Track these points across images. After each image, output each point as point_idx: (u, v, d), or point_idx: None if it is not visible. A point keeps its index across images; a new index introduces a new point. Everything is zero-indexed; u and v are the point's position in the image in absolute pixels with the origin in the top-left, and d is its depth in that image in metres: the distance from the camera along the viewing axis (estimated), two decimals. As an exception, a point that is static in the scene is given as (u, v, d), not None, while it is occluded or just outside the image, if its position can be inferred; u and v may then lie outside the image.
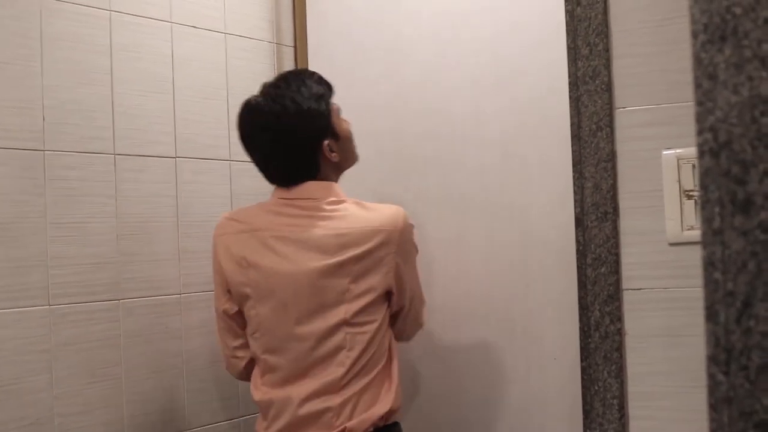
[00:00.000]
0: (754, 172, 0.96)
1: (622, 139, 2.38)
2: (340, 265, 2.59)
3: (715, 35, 0.98)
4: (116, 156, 2.81)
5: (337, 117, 2.77)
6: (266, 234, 2.66)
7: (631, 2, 2.38)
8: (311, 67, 3.37)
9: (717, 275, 0.98)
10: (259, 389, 2.70)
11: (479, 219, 3.05)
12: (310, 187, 2.69)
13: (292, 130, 2.66)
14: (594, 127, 2.38)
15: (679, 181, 2.30)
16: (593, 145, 2.39)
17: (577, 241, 2.45)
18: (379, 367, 2.65)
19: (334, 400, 2.59)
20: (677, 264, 2.32)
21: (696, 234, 2.27)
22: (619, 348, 2.39)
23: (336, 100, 3.06)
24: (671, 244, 2.33)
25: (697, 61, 0.99)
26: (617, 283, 2.39)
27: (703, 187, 0.99)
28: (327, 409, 2.58)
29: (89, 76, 2.76)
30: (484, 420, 3.08)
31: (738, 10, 0.97)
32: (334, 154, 2.72)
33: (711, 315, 0.99)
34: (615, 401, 2.39)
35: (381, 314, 2.65)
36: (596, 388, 2.41)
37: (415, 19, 3.20)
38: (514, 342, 3.00)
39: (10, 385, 2.52)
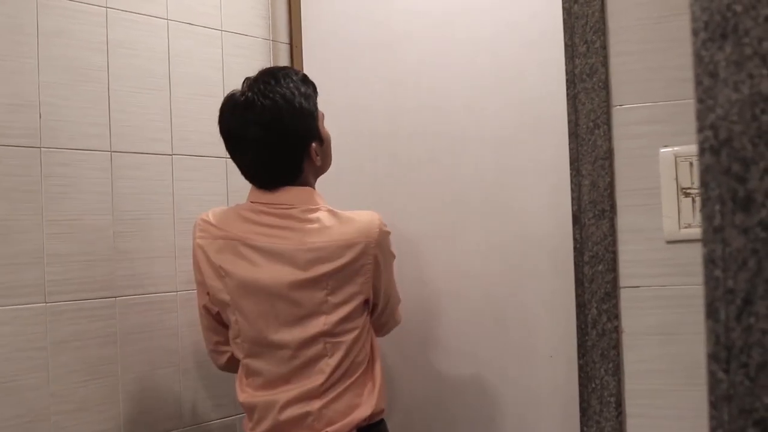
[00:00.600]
0: (755, 169, 0.96)
1: (620, 137, 2.38)
2: (314, 280, 2.56)
3: (716, 33, 0.98)
4: (112, 153, 2.81)
5: (322, 119, 2.74)
6: (239, 243, 2.63)
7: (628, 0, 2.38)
8: (306, 65, 3.38)
9: (717, 273, 0.98)
10: (244, 391, 2.69)
11: (475, 217, 3.05)
12: (288, 193, 2.64)
13: (284, 128, 2.60)
14: (591, 124, 2.38)
15: (677, 179, 2.30)
16: (590, 142, 2.39)
17: (575, 239, 2.45)
18: (361, 370, 2.64)
19: (315, 405, 2.58)
20: (674, 262, 2.32)
21: (693, 232, 2.27)
22: (617, 346, 2.39)
23: (331, 98, 3.08)
24: (668, 242, 2.33)
25: (698, 58, 0.99)
26: (614, 280, 2.38)
27: (704, 184, 0.99)
28: (308, 414, 2.58)
29: (85, 73, 2.76)
30: (480, 418, 3.08)
31: (738, 8, 0.97)
32: (318, 158, 2.68)
33: (711, 312, 0.99)
34: (612, 399, 2.39)
35: (361, 321, 2.64)
36: (593, 385, 2.41)
37: (410, 16, 3.20)
38: (510, 340, 3.00)
39: (7, 382, 2.52)
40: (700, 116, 0.99)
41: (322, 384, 2.58)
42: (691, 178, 2.28)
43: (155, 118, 2.95)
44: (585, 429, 2.44)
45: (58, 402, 2.64)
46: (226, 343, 2.76)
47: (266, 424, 2.63)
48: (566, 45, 2.44)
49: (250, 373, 2.68)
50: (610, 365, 2.39)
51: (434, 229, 3.11)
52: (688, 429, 2.29)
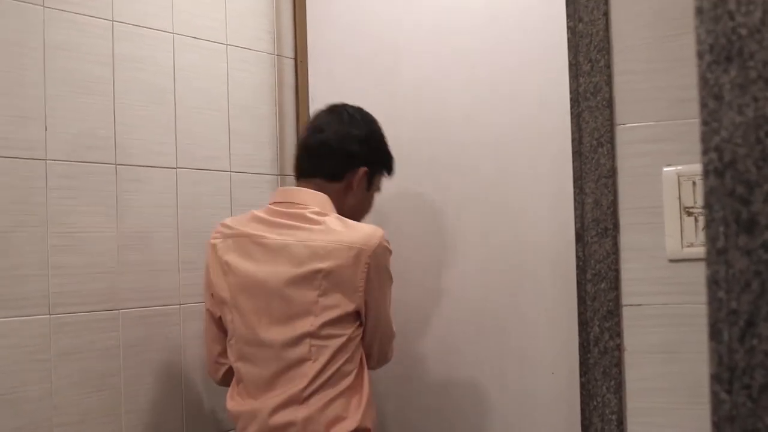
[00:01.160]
0: (759, 192, 0.96)
1: (623, 156, 2.39)
2: (307, 277, 2.58)
3: (721, 56, 0.99)
4: (117, 166, 2.82)
5: (377, 186, 2.89)
6: (247, 240, 2.69)
7: (632, 19, 2.39)
8: (311, 80, 3.42)
9: (721, 294, 0.99)
10: (233, 399, 2.72)
11: (477, 233, 3.06)
12: (306, 194, 2.72)
13: (351, 131, 2.79)
14: (595, 143, 2.39)
15: (680, 198, 2.30)
16: (594, 161, 2.39)
17: (577, 257, 2.45)
18: (348, 381, 2.62)
19: (299, 413, 2.58)
20: (677, 280, 2.33)
21: (695, 251, 2.28)
22: (618, 364, 2.39)
23: None
24: (671, 261, 2.33)
25: (703, 81, 1.00)
26: (617, 298, 2.39)
27: (708, 206, 0.99)
28: (291, 423, 2.58)
29: (91, 86, 2.77)
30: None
31: (743, 32, 0.98)
32: (356, 188, 2.79)
33: (714, 333, 0.99)
34: (614, 417, 2.39)
35: (350, 329, 2.63)
36: (595, 403, 2.42)
37: (415, 32, 3.21)
38: (512, 357, 3.00)
39: (9, 394, 2.52)
40: (705, 138, 0.99)
41: (305, 388, 2.57)
42: (693, 198, 2.29)
43: (160, 132, 2.96)
44: (586, 446, 2.44)
45: (61, 414, 2.63)
46: (226, 353, 2.78)
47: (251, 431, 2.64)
48: (570, 64, 2.45)
49: (240, 378, 2.71)
50: (612, 383, 2.39)
51: (436, 243, 3.11)
52: (689, 447, 2.29)
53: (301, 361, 2.59)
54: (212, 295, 2.75)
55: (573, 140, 2.44)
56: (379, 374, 2.94)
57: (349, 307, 2.60)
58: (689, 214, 2.29)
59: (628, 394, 2.39)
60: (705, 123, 1.00)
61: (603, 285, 2.39)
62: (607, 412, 2.40)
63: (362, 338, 2.69)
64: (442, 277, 3.13)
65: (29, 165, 2.59)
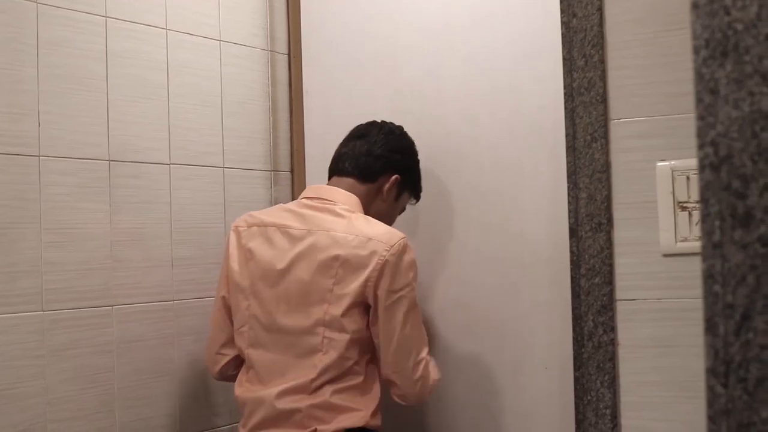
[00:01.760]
0: (755, 186, 0.97)
1: (617, 151, 2.39)
2: (326, 265, 2.64)
3: (717, 51, 0.99)
4: (110, 162, 2.81)
5: (403, 202, 2.99)
6: (274, 229, 2.76)
7: (626, 14, 2.39)
8: (306, 76, 3.41)
9: (716, 288, 0.99)
10: (242, 386, 2.77)
11: (473, 228, 3.06)
12: (335, 193, 2.81)
13: (386, 140, 2.91)
14: (589, 138, 2.39)
15: (674, 193, 2.30)
16: (588, 156, 2.39)
17: (571, 252, 2.46)
18: (357, 380, 2.66)
19: (305, 401, 2.62)
20: (671, 275, 2.33)
21: (689, 245, 2.28)
22: (612, 358, 2.39)
23: (329, 109, 3.16)
24: (665, 255, 2.34)
25: (699, 76, 1.00)
26: (611, 293, 2.39)
27: (704, 200, 0.99)
28: (297, 410, 2.62)
29: (84, 82, 2.76)
30: (474, 429, 3.08)
31: (739, 26, 0.98)
32: (387, 194, 2.88)
33: (710, 327, 1.00)
34: (608, 411, 2.39)
35: (360, 325, 2.65)
36: (589, 397, 2.42)
37: (409, 28, 3.21)
38: (505, 351, 3.01)
39: (3, 390, 2.52)
40: (701, 133, 1.00)
41: (314, 379, 2.62)
42: (687, 192, 2.29)
43: (153, 128, 2.96)
44: (580, 441, 2.44)
45: (54, 410, 2.63)
46: (229, 344, 2.83)
47: (258, 416, 2.69)
48: (564, 59, 2.45)
49: (250, 365, 2.76)
50: (606, 377, 2.40)
51: (430, 240, 3.12)
52: (683, 442, 2.30)
53: (312, 351, 2.64)
54: (229, 281, 2.80)
55: (567, 135, 2.44)
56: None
57: (359, 297, 2.63)
58: (683, 208, 2.30)
59: (622, 389, 2.40)
60: (701, 118, 1.00)
61: (597, 280, 2.40)
62: (601, 406, 2.40)
63: (376, 345, 2.70)
64: (436, 271, 3.13)
65: (23, 161, 2.59)
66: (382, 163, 2.87)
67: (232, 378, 2.88)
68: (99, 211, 2.78)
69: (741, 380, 0.98)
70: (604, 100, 2.39)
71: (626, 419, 2.40)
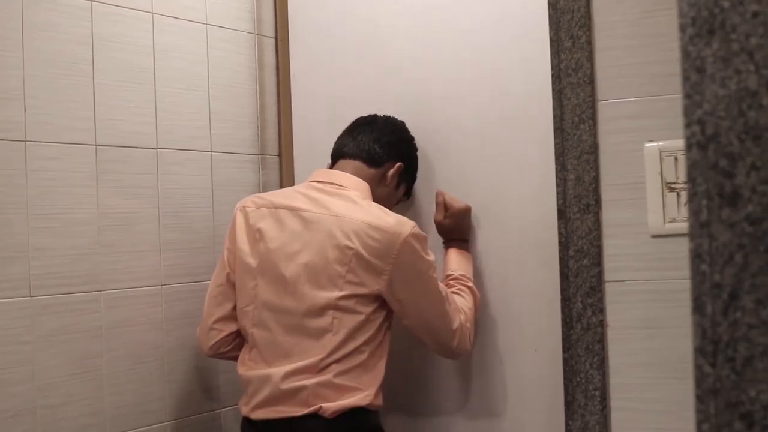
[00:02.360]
0: (741, 165, 0.96)
1: (605, 132, 2.39)
2: (338, 252, 2.65)
3: (703, 29, 0.98)
4: (97, 147, 2.80)
5: (400, 192, 3.03)
6: (286, 212, 2.77)
7: (613, -5, 2.38)
8: (293, 59, 3.39)
9: (704, 267, 0.99)
10: (245, 364, 2.80)
11: (462, 210, 3.05)
12: (345, 178, 2.85)
13: (391, 131, 2.99)
14: (576, 119, 2.39)
15: (662, 174, 2.30)
16: (576, 137, 2.39)
17: (560, 233, 2.45)
18: (362, 358, 2.69)
19: (311, 380, 2.64)
20: (659, 256, 2.33)
21: (678, 226, 2.28)
22: (601, 340, 2.39)
23: (316, 91, 3.19)
24: (653, 236, 2.34)
25: (685, 54, 1.00)
26: (599, 275, 2.39)
27: (691, 179, 0.99)
28: (303, 387, 2.65)
29: (70, 67, 2.74)
30: (464, 411, 3.08)
31: (726, 4, 0.97)
32: (390, 182, 2.93)
33: (698, 307, 0.99)
34: (597, 392, 2.40)
35: (369, 309, 2.68)
36: (578, 379, 2.42)
37: (396, 10, 3.19)
38: (495, 333, 3.00)
39: (-7, 376, 2.52)
40: (688, 112, 0.99)
41: (322, 359, 2.65)
42: (675, 173, 2.29)
43: (140, 112, 2.94)
44: (570, 423, 2.44)
45: (44, 396, 2.62)
46: (225, 319, 2.86)
47: (262, 395, 2.72)
48: (552, 40, 2.45)
49: (253, 345, 2.78)
50: (595, 359, 2.40)
51: (419, 221, 3.11)
52: (673, 422, 2.30)
53: (322, 332, 2.66)
54: (236, 260, 2.82)
55: (555, 117, 2.44)
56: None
57: (373, 287, 2.66)
58: (671, 189, 2.30)
59: (611, 370, 2.40)
60: (687, 96, 0.99)
61: (585, 261, 2.40)
62: (590, 388, 2.40)
63: (409, 327, 2.80)
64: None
65: (8, 146, 2.57)
66: (388, 149, 2.92)
67: (225, 356, 2.92)
68: (86, 196, 2.77)
69: (729, 359, 0.98)
70: (591, 81, 2.38)
71: (616, 401, 2.40)
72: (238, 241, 2.81)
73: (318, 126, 3.28)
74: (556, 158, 2.44)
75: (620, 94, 2.37)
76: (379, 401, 2.74)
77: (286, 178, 3.38)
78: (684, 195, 2.24)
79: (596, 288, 2.39)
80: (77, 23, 2.77)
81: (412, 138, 3.05)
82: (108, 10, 2.85)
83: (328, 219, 2.70)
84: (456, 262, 2.96)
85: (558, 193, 2.45)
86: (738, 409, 0.97)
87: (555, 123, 2.44)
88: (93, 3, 2.81)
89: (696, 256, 0.99)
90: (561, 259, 2.46)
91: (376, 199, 2.85)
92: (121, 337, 2.85)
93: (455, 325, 2.76)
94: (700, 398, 0.99)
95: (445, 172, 3.09)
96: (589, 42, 2.39)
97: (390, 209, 2.85)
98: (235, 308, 2.85)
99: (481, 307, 2.96)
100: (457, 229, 3.01)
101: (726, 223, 0.97)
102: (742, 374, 0.97)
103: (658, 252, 2.33)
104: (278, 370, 2.68)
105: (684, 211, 2.24)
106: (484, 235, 3.01)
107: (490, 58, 3.00)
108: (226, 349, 2.89)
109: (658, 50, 2.32)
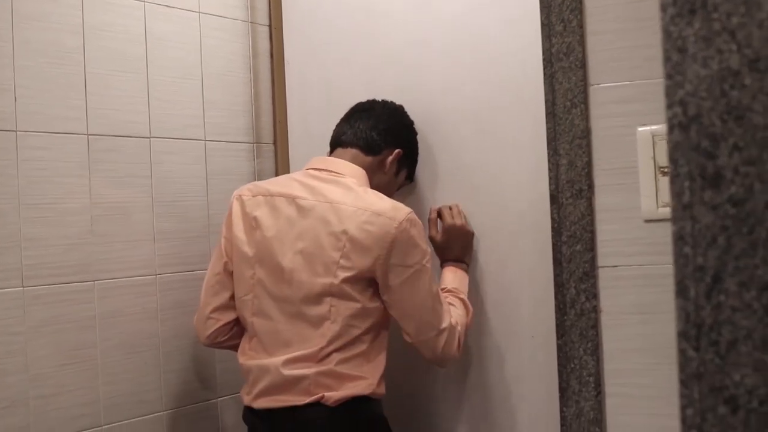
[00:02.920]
0: (724, 146, 0.95)
1: (597, 116, 2.37)
2: (333, 238, 2.65)
3: (684, 8, 0.97)
4: (89, 136, 2.79)
5: (401, 179, 3.03)
6: (282, 199, 2.76)
7: (604, -22, 2.37)
8: (287, 47, 3.39)
9: (687, 250, 0.98)
10: (245, 353, 2.81)
11: (452, 197, 3.04)
12: (342, 165, 2.83)
13: (388, 116, 2.97)
14: (568, 104, 2.37)
15: (654, 158, 2.29)
16: (568, 122, 2.37)
17: (552, 219, 2.44)
18: (362, 348, 2.70)
19: (312, 369, 2.65)
20: (652, 241, 2.31)
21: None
22: (595, 325, 2.38)
23: (311, 79, 3.18)
24: (646, 221, 2.32)
25: (666, 34, 0.99)
26: (593, 260, 2.38)
27: (673, 161, 0.98)
28: (304, 377, 2.66)
29: (61, 56, 2.74)
30: (460, 397, 3.08)
31: (707, -17, 0.96)
32: (389, 168, 2.91)
33: (681, 290, 0.98)
34: (591, 379, 2.39)
35: (366, 296, 2.69)
36: (572, 365, 2.41)
37: (390, -4, 3.19)
38: (491, 320, 3.00)
39: (-17, 368, 2.51)
40: (669, 92, 0.98)
41: (322, 349, 2.66)
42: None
43: (132, 101, 2.93)
44: (564, 409, 2.43)
45: (37, 386, 2.62)
46: (223, 309, 2.85)
47: (263, 383, 2.73)
48: (543, 24, 2.43)
49: (253, 334, 2.78)
50: (589, 345, 2.39)
51: (415, 208, 3.10)
52: (667, 407, 2.27)
53: (321, 319, 2.67)
54: (233, 249, 2.81)
55: (546, 101, 2.42)
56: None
57: (365, 273, 2.65)
58: (664, 173, 2.28)
59: (605, 356, 2.39)
60: (669, 77, 0.98)
61: (578, 247, 2.38)
62: (584, 374, 2.39)
63: (396, 318, 2.76)
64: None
65: (0, 136, 2.57)
66: (386, 136, 2.90)
67: (222, 345, 2.92)
68: (79, 186, 2.76)
69: (713, 343, 0.97)
70: (583, 65, 2.36)
71: (610, 386, 2.39)
72: (234, 230, 2.81)
73: (313, 113, 3.27)
74: (548, 143, 2.43)
75: (612, 78, 2.35)
76: (382, 390, 2.75)
77: (282, 166, 3.37)
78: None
79: (589, 273, 2.37)
80: (68, 12, 2.76)
81: (411, 123, 3.04)
82: (99, -1, 2.84)
83: (323, 206, 2.70)
84: (449, 279, 2.93)
85: (550, 179, 2.43)
86: (722, 394, 0.96)
87: (547, 108, 2.42)
88: (83, -8, 2.80)
89: (679, 239, 0.98)
90: (554, 245, 2.44)
91: (376, 186, 2.84)
92: (115, 327, 2.84)
93: (444, 324, 2.73)
94: (684, 383, 0.99)
95: (441, 158, 3.08)
96: (581, 26, 2.37)
97: (391, 196, 2.85)
98: (232, 297, 2.85)
99: (474, 314, 2.93)
100: (449, 248, 2.98)
101: (709, 205, 0.96)
102: (726, 358, 0.96)
103: (651, 237, 2.31)
104: (278, 359, 2.69)
105: (677, 196, 2.23)
106: (477, 222, 3.00)
107: (482, 42, 2.99)
108: (224, 339, 2.89)
109: (650, 33, 2.29)
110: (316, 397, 2.65)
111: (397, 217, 2.65)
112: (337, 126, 2.98)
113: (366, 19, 3.24)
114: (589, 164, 2.37)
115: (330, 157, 2.89)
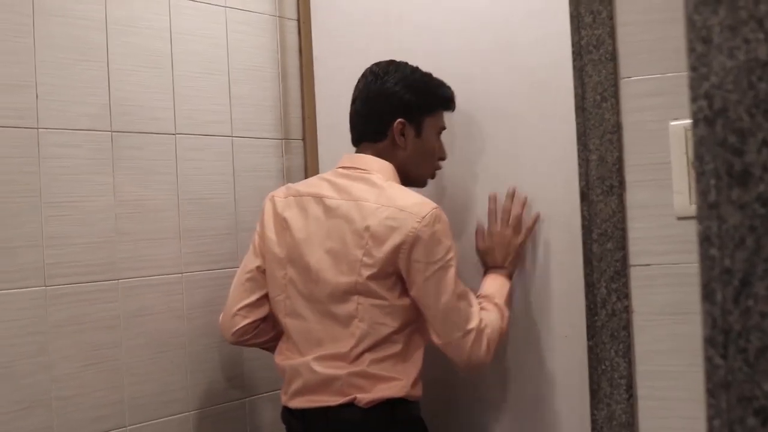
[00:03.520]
0: (752, 141, 0.90)
1: (628, 110, 2.31)
2: (356, 236, 2.64)
3: (709, -5, 0.93)
4: (113, 133, 2.77)
5: (432, 128, 2.88)
6: (310, 199, 2.76)
7: (635, -32, 2.31)
8: (315, 41, 3.37)
9: (713, 251, 0.93)
10: (282, 353, 2.82)
11: (482, 194, 3.01)
12: (368, 160, 2.79)
13: (377, 89, 2.84)
14: (599, 97, 2.32)
15: (687, 153, 2.23)
16: (598, 116, 2.32)
17: (583, 216, 2.39)
18: (396, 349, 2.68)
19: (345, 369, 2.65)
20: (686, 239, 2.25)
21: (705, 207, 2.21)
22: (627, 326, 2.33)
23: (339, 73, 3.14)
24: (679, 218, 2.26)
25: (690, 23, 0.94)
26: (624, 259, 2.32)
27: (698, 157, 0.93)
28: (337, 377, 2.66)
29: (84, 52, 2.72)
30: (495, 399, 3.06)
31: (733, -32, 0.91)
32: (403, 140, 2.81)
33: (707, 294, 0.94)
34: (623, 381, 2.33)
35: (393, 294, 2.66)
36: (603, 367, 2.36)
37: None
38: (523, 319, 2.97)
39: (5, 368, 2.50)
40: (694, 85, 0.94)
41: (352, 348, 2.65)
42: (702, 152, 2.22)
43: (157, 97, 2.91)
44: (595, 412, 2.38)
45: (59, 387, 2.61)
46: (250, 306, 2.84)
47: (295, 386, 2.74)
48: (572, 16, 2.38)
49: (288, 336, 2.79)
50: (621, 346, 2.33)
51: (441, 204, 3.06)
52: (702, 411, 2.23)
53: (349, 318, 2.66)
54: (266, 250, 2.81)
55: (576, 95, 2.37)
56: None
57: (391, 268, 2.63)
58: (697, 169, 2.22)
59: (637, 357, 2.34)
60: (693, 68, 0.94)
61: (609, 245, 2.33)
62: (615, 376, 2.34)
63: (425, 319, 2.71)
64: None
65: (21, 134, 2.55)
66: (379, 119, 2.82)
67: (247, 343, 2.91)
68: (102, 184, 2.75)
69: (741, 351, 0.92)
70: (613, 57, 2.31)
71: (642, 389, 2.34)
72: (266, 230, 2.81)
73: (342, 109, 3.22)
74: (578, 138, 2.37)
75: (644, 70, 2.29)
76: (418, 391, 2.73)
77: (311, 163, 3.35)
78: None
79: (621, 273, 2.32)
80: (90, 7, 2.75)
81: (400, 78, 2.85)
82: (122, -6, 2.82)
83: (348, 204, 2.69)
84: (485, 285, 2.87)
85: (580, 175, 2.38)
86: (752, 404, 0.92)
87: (576, 102, 2.37)
88: (107, -14, 2.78)
89: (704, 240, 0.93)
90: (584, 243, 2.39)
91: (403, 162, 2.81)
92: (140, 326, 2.83)
93: (471, 325, 2.67)
94: (710, 392, 0.94)
95: (468, 153, 3.05)
96: (611, 17, 2.31)
97: (433, 159, 2.88)
98: (262, 297, 2.84)
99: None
100: (490, 254, 2.92)
101: (736, 204, 0.91)
102: (755, 366, 0.91)
103: (684, 234, 2.25)
104: (309, 358, 2.70)
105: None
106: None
107: (510, 35, 2.97)
108: (249, 336, 2.88)
109: (682, 24, 2.25)
110: (349, 398, 2.65)
111: (420, 212, 2.61)
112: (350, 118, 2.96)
113: (394, 13, 3.21)
114: (620, 160, 2.31)
115: (357, 154, 2.85)
